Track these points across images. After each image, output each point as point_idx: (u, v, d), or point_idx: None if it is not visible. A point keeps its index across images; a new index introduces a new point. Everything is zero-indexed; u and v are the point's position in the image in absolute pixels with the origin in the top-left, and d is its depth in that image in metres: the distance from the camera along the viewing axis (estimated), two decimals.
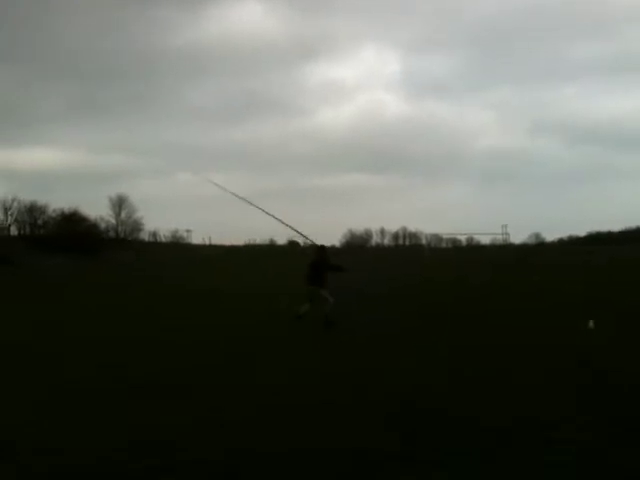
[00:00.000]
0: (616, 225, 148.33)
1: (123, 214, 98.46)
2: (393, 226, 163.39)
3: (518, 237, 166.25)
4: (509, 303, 22.33)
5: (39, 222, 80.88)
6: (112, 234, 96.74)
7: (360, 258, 74.03)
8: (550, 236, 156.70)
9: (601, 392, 8.69)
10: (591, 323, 12.55)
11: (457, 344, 13.23)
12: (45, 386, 9.82)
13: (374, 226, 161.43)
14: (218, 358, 12.30)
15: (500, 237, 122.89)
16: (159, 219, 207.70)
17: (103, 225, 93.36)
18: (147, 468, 5.85)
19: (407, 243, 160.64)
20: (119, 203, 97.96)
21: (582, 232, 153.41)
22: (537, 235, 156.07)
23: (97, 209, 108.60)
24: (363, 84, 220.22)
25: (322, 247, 14.92)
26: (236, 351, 13.18)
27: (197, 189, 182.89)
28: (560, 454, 6.01)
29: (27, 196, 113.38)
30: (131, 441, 6.69)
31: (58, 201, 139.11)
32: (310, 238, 15.39)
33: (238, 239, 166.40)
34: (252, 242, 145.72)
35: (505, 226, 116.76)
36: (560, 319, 16.80)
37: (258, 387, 9.50)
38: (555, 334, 14.14)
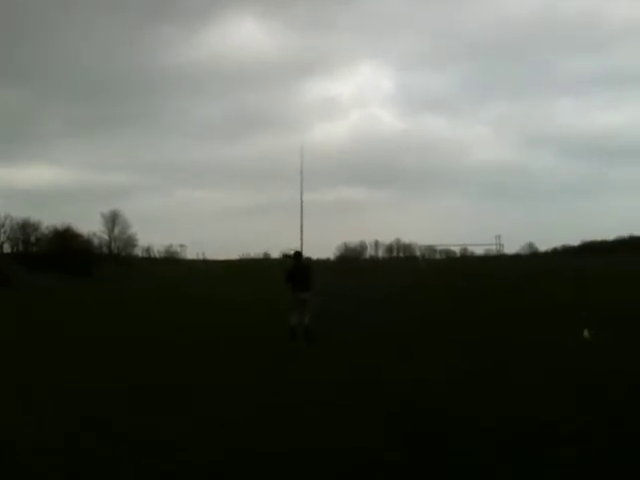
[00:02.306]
0: (609, 235, 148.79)
1: (116, 230, 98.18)
2: (387, 238, 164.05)
3: (512, 248, 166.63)
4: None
5: (32, 239, 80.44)
6: (105, 250, 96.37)
7: (355, 268, 74.57)
8: (544, 246, 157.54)
9: (601, 392, 8.69)
10: (586, 332, 12.62)
11: (455, 341, 13.32)
12: (45, 386, 9.84)
13: (368, 239, 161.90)
14: (218, 358, 12.34)
15: (494, 248, 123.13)
16: (154, 235, 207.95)
17: (96, 241, 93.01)
18: (147, 468, 5.83)
19: (401, 255, 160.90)
20: (112, 219, 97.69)
21: (576, 242, 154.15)
22: (531, 245, 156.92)
23: (91, 226, 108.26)
24: (359, 100, 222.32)
25: (298, 253, 14.96)
26: (236, 351, 13.25)
27: (192, 205, 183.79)
28: (560, 454, 5.99)
29: (21, 213, 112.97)
30: (131, 441, 6.67)
31: (52, 218, 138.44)
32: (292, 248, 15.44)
33: (232, 253, 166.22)
34: (246, 256, 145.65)
35: (499, 237, 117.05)
36: (555, 322, 17.07)
37: (258, 387, 9.52)
38: (551, 334, 14.32)
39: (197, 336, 15.63)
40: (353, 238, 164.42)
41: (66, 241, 71.00)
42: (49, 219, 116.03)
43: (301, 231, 15.69)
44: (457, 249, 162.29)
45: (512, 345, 13.06)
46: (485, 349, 12.67)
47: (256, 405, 8.28)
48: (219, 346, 13.99)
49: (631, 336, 13.74)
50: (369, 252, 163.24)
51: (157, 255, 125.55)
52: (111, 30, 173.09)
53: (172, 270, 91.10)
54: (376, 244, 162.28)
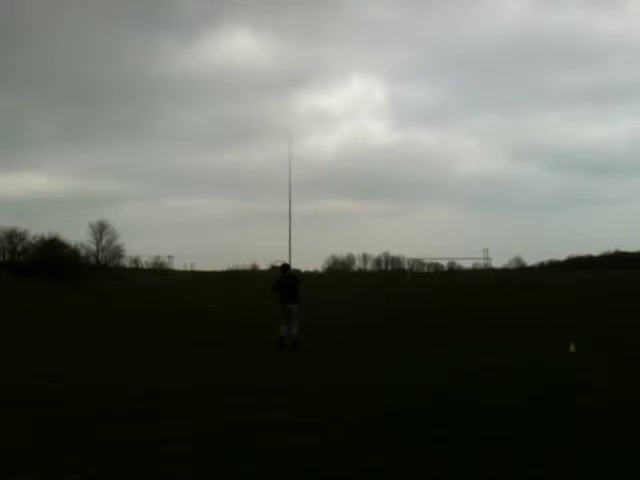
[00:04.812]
0: (595, 249, 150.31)
1: (104, 240, 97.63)
2: (375, 251, 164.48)
3: (499, 261, 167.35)
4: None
5: (19, 249, 79.89)
6: (92, 260, 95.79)
7: (344, 280, 75.06)
8: (531, 260, 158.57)
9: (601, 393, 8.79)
10: (572, 347, 12.74)
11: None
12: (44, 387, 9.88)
13: (357, 251, 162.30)
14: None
15: (482, 261, 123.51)
16: (141, 244, 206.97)
17: (83, 251, 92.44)
18: (145, 467, 5.82)
19: (389, 268, 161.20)
20: (100, 229, 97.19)
21: (562, 256, 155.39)
22: (518, 259, 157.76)
23: (78, 235, 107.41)
24: (350, 112, 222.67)
25: (286, 265, 15.06)
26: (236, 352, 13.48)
27: (181, 214, 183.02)
28: (559, 454, 6.00)
29: (6, 222, 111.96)
30: (129, 441, 6.67)
31: (39, 227, 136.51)
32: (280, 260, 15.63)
33: (221, 264, 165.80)
34: (235, 267, 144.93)
35: (486, 250, 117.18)
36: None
37: (257, 387, 9.60)
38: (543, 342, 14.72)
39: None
40: (341, 250, 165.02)
41: (53, 251, 70.56)
42: (35, 228, 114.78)
43: (289, 243, 15.86)
44: (445, 262, 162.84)
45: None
46: (478, 354, 12.79)
47: (254, 405, 8.29)
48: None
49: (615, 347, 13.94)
50: (357, 265, 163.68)
51: (145, 266, 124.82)
52: (103, 38, 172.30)
53: (161, 281, 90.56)
54: (364, 257, 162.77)
